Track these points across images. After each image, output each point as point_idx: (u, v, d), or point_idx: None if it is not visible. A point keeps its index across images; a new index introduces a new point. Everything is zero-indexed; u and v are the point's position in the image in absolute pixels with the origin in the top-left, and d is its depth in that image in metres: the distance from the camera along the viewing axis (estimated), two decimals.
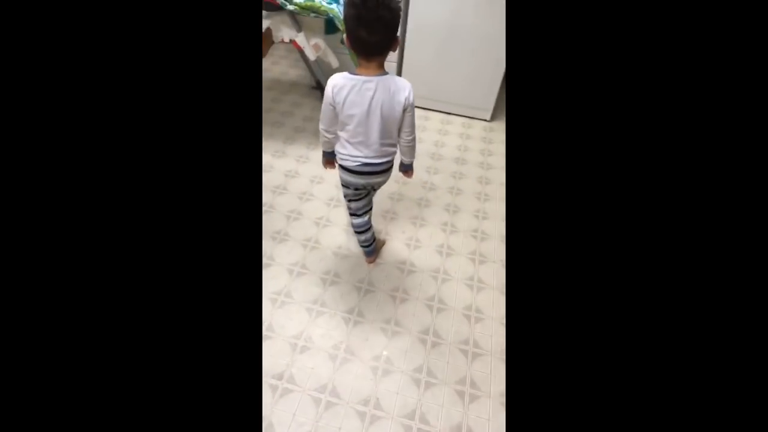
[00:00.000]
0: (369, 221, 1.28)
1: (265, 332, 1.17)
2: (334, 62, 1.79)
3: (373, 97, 0.96)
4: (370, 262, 1.38)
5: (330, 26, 1.66)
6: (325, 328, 1.20)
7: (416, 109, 2.32)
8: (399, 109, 0.99)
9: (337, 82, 0.97)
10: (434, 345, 1.18)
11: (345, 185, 1.16)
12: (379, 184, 1.15)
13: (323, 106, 1.01)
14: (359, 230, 1.28)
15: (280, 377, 1.07)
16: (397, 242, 1.47)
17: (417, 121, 2.12)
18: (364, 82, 0.96)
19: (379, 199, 1.64)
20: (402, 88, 0.98)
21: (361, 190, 1.17)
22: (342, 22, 1.53)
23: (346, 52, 1.72)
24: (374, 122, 0.99)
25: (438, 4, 1.89)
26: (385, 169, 1.10)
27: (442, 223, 1.57)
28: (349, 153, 1.06)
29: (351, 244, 1.45)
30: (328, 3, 1.48)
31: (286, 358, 1.11)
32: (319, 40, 1.68)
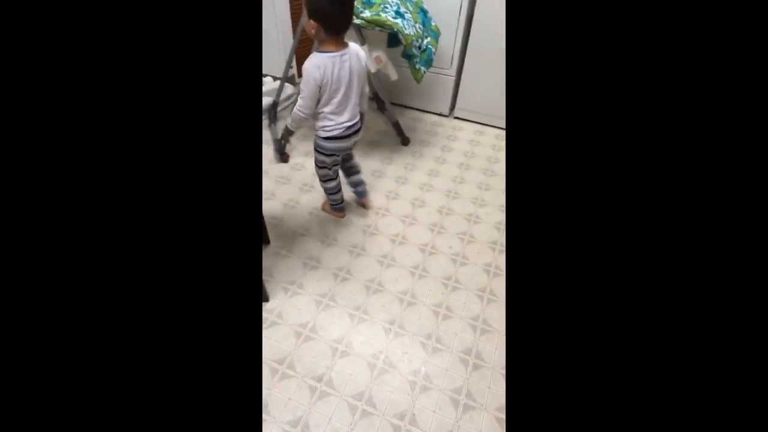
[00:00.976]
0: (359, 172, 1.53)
1: (308, 333, 1.19)
2: (393, 75, 1.83)
3: (350, 67, 1.15)
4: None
5: (392, 40, 1.70)
6: (366, 335, 1.20)
7: (473, 124, 2.33)
8: (364, 69, 1.21)
9: (320, 63, 1.11)
10: (476, 367, 1.14)
11: (332, 154, 1.33)
12: (357, 142, 1.36)
13: (309, 91, 1.14)
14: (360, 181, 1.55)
15: (319, 379, 1.08)
16: (443, 257, 1.45)
17: (473, 136, 2.15)
18: (341, 55, 1.13)
19: (428, 212, 1.64)
20: (359, 50, 1.19)
21: (343, 154, 1.40)
22: (406, 37, 1.57)
23: (406, 65, 1.75)
24: (353, 88, 1.20)
25: (496, 29, 1.87)
26: (360, 126, 1.32)
27: (491, 241, 1.53)
28: (335, 122, 1.23)
29: (396, 253, 1.45)
30: (393, 18, 1.52)
31: (327, 361, 1.12)
32: (381, 53, 1.72)
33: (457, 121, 2.28)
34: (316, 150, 1.35)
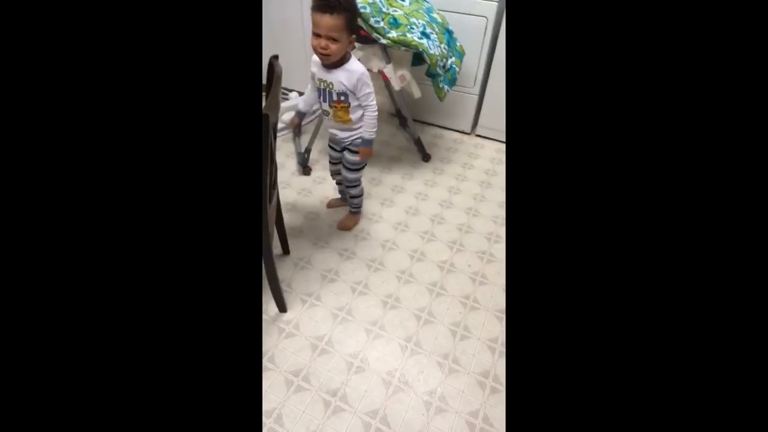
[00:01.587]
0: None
1: (324, 346, 1.19)
2: (417, 93, 1.85)
3: None
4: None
5: (417, 59, 1.74)
6: (382, 352, 1.19)
7: (494, 142, 2.31)
8: None
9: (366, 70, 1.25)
10: (493, 391, 1.11)
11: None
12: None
13: (372, 92, 1.26)
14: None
15: (333, 394, 1.08)
16: (462, 275, 1.43)
17: (494, 154, 2.15)
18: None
19: (448, 229, 1.63)
20: None
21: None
22: (431, 57, 1.60)
23: (429, 83, 1.77)
24: None
25: None
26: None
27: None
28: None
29: (414, 270, 1.44)
30: (419, 38, 1.55)
31: (342, 376, 1.12)
32: (405, 72, 1.76)
33: (478, 138, 2.29)
34: (356, 166, 1.42)
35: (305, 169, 1.91)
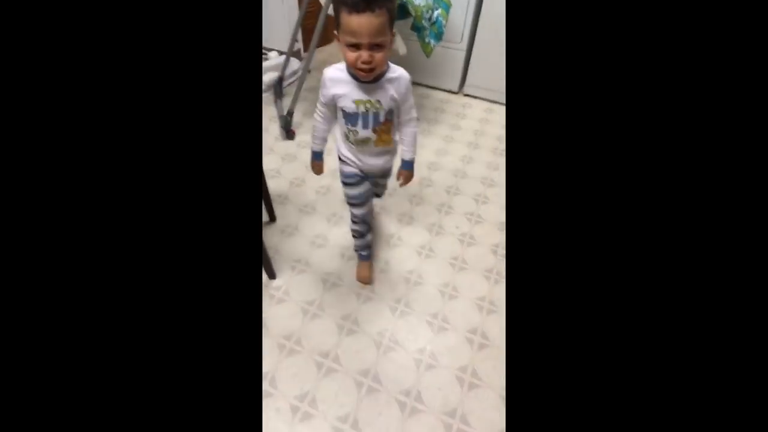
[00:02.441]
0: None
1: (315, 311, 1.20)
2: (402, 49, 1.76)
3: None
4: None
5: (401, 11, 1.64)
6: (372, 314, 1.20)
7: (483, 102, 2.27)
8: None
9: None
10: (481, 346, 1.14)
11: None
12: None
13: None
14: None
15: (326, 355, 1.10)
16: (450, 237, 1.44)
17: (483, 114, 2.09)
18: None
19: (436, 191, 1.61)
20: None
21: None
22: (416, 8, 1.50)
23: (415, 38, 1.68)
24: None
25: None
26: None
27: (499, 222, 1.51)
28: None
29: (403, 233, 1.44)
30: None
31: (333, 339, 1.13)
32: None
33: (466, 98, 2.22)
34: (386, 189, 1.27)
35: (288, 133, 1.84)
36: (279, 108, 1.98)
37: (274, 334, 1.13)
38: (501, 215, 1.53)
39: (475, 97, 2.21)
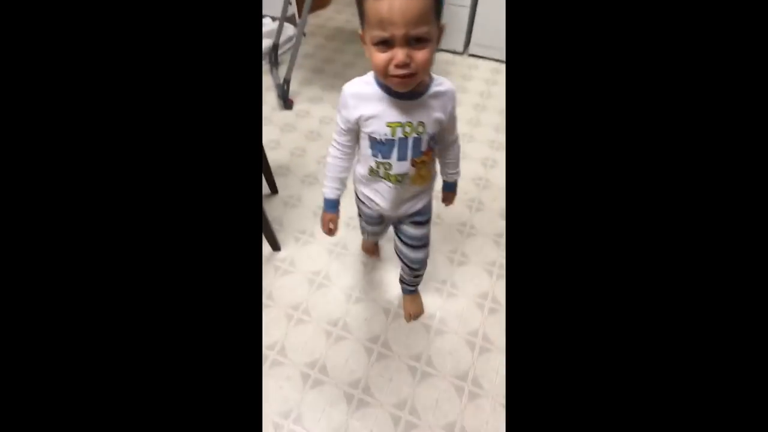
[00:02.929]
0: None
1: (321, 280, 1.18)
2: None
3: None
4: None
5: None
6: (380, 282, 1.18)
7: (489, 62, 2.17)
8: None
9: None
10: (492, 311, 1.12)
11: None
12: None
13: None
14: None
15: (334, 324, 1.09)
16: (458, 202, 1.39)
17: (489, 75, 1.99)
18: None
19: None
20: None
21: None
22: None
23: None
24: None
25: None
26: None
27: None
28: None
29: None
30: None
31: (341, 307, 1.12)
32: None
33: (472, 59, 2.12)
34: (424, 240, 0.91)
35: (286, 102, 1.77)
36: (275, 77, 1.91)
37: (282, 305, 1.12)
38: None
39: (481, 57, 2.11)
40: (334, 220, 0.83)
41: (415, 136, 0.69)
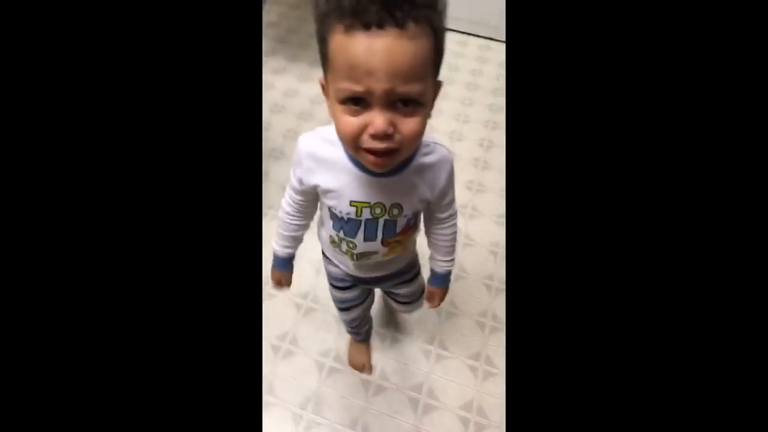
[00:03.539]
0: None
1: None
2: None
3: None
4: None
5: None
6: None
7: (479, 39, 2.13)
8: None
9: None
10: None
11: None
12: None
13: None
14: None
15: (304, 296, 1.07)
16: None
17: (479, 53, 1.97)
18: None
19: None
20: None
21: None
22: None
23: None
24: None
25: None
26: None
27: None
28: None
29: None
30: None
31: (311, 279, 1.10)
32: None
33: (461, 35, 2.07)
34: (416, 295, 0.81)
35: None
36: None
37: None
38: None
39: (470, 35, 2.06)
40: (286, 278, 0.70)
41: (387, 218, 0.54)
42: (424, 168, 0.52)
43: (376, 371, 0.97)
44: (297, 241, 0.66)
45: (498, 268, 1.18)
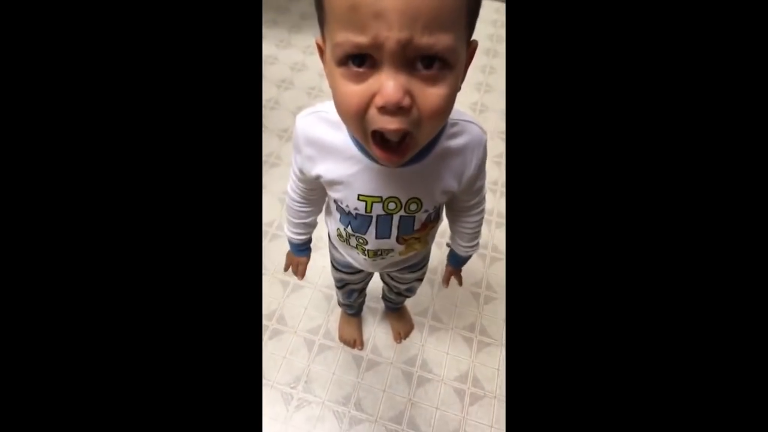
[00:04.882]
0: None
1: (274, 231, 1.10)
2: None
3: None
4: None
5: None
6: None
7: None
8: None
9: None
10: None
11: None
12: None
13: None
14: None
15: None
16: None
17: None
18: None
19: None
20: None
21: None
22: None
23: None
24: None
25: None
26: None
27: (499, 131, 1.39)
28: None
29: None
30: None
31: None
32: None
33: None
34: (420, 275, 0.74)
35: None
36: None
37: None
38: (500, 124, 1.41)
39: None
40: (303, 264, 0.63)
41: (404, 214, 0.46)
42: (451, 153, 0.42)
43: (368, 346, 0.94)
44: (310, 227, 0.59)
45: (492, 237, 1.14)
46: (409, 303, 1.00)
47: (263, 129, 1.36)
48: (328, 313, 0.98)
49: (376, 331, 0.96)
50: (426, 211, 0.47)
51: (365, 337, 0.95)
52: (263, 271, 1.04)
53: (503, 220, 1.17)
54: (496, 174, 1.27)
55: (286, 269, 0.66)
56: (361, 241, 0.51)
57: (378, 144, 0.33)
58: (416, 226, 0.49)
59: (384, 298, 0.92)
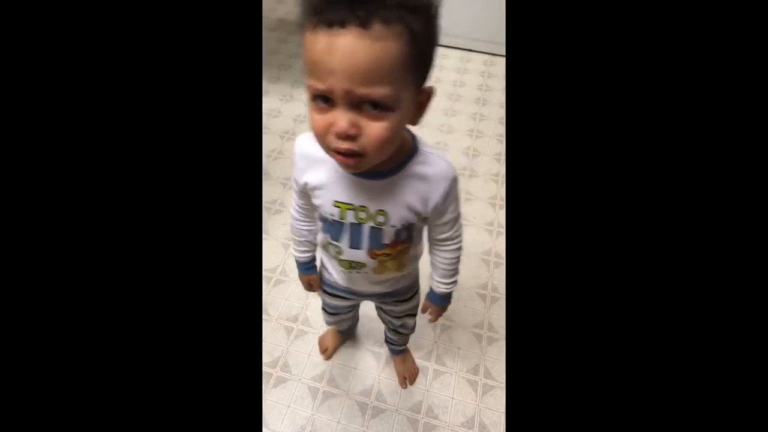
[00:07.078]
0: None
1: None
2: None
3: None
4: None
5: None
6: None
7: (459, 51, 2.13)
8: None
9: None
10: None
11: None
12: None
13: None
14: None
15: (273, 270, 1.04)
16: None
17: (459, 64, 1.99)
18: None
19: None
20: None
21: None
22: None
23: None
24: None
25: None
26: None
27: (493, 174, 1.46)
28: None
29: None
30: None
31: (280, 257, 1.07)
32: None
33: (441, 49, 2.10)
34: (413, 311, 0.78)
35: None
36: None
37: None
38: (494, 167, 1.48)
39: (449, 47, 2.09)
40: (314, 280, 0.71)
41: (373, 225, 0.52)
42: (416, 177, 0.50)
43: (373, 392, 0.94)
44: (312, 244, 0.67)
45: (491, 277, 1.16)
46: (412, 346, 1.00)
47: (267, 177, 1.42)
48: (330, 360, 0.99)
49: (381, 376, 0.96)
50: (393, 226, 0.53)
51: (368, 384, 0.95)
52: (267, 317, 1.05)
53: (502, 261, 1.20)
54: (491, 215, 1.32)
55: (305, 287, 0.73)
56: (337, 250, 0.57)
57: (335, 152, 0.43)
58: (385, 240, 0.54)
59: (386, 340, 0.94)
